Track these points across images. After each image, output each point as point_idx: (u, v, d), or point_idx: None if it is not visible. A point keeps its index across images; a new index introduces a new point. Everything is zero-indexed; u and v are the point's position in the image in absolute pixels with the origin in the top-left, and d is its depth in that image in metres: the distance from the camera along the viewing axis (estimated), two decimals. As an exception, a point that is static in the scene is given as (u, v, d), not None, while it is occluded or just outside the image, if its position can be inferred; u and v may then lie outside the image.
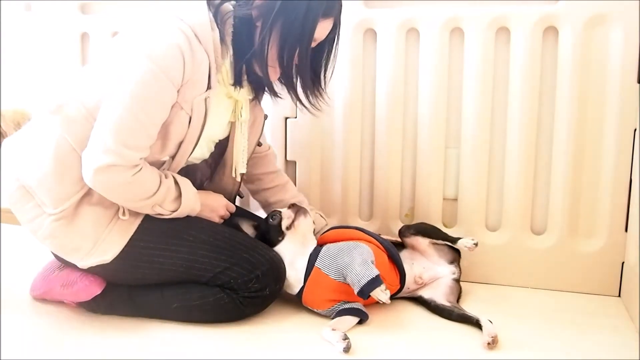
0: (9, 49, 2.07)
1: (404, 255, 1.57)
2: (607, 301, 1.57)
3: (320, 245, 1.48)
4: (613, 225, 1.57)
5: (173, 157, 1.36)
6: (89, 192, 1.32)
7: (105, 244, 1.32)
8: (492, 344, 1.27)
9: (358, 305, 1.41)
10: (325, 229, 1.60)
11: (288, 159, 1.82)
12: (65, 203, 1.31)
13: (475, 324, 1.36)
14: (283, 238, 1.45)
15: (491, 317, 1.35)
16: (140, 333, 1.36)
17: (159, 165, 1.35)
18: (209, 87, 1.31)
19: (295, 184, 1.79)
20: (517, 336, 1.34)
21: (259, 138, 1.58)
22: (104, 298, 1.41)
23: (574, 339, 1.35)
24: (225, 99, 1.42)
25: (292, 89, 1.41)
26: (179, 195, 1.35)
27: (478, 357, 1.26)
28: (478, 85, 1.61)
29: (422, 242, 1.58)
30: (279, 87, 1.44)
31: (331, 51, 1.43)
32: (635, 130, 1.51)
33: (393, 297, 1.47)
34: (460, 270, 1.56)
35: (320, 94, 1.45)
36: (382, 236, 1.58)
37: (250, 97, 1.47)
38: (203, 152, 1.48)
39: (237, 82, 1.38)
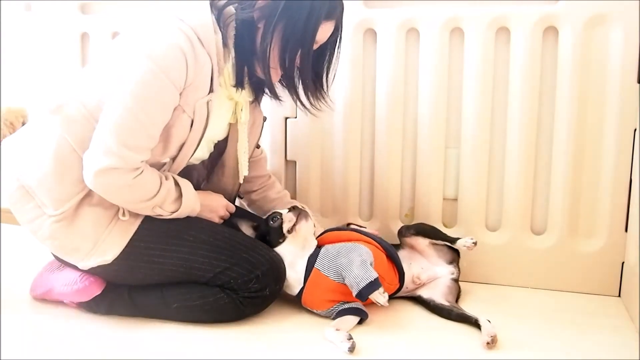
0: (9, 49, 2.07)
1: (402, 255, 1.57)
2: (607, 301, 1.57)
3: (319, 246, 1.48)
4: (613, 225, 1.57)
5: (174, 159, 1.36)
6: (89, 193, 1.32)
7: (105, 244, 1.32)
8: (492, 343, 1.27)
9: (357, 304, 1.41)
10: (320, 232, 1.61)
11: (288, 159, 1.82)
12: (66, 204, 1.31)
13: (475, 323, 1.36)
14: (284, 240, 1.44)
15: (491, 317, 1.35)
16: (140, 333, 1.36)
17: (159, 166, 1.35)
18: (211, 90, 1.31)
19: (295, 184, 1.79)
20: (517, 336, 1.34)
21: (258, 140, 1.59)
22: (104, 298, 1.41)
23: (574, 339, 1.35)
24: (226, 101, 1.42)
25: (293, 90, 1.41)
26: (179, 196, 1.35)
27: (478, 357, 1.26)
28: (478, 85, 1.61)
29: (421, 242, 1.58)
30: (280, 89, 1.44)
31: (333, 53, 1.43)
32: (635, 130, 1.51)
33: (392, 296, 1.47)
34: (459, 270, 1.57)
35: (322, 96, 1.45)
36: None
37: (251, 99, 1.47)
38: (203, 153, 1.48)
39: (239, 84, 1.38)
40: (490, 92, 1.61)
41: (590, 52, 1.52)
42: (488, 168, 1.65)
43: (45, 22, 1.96)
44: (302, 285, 1.42)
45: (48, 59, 1.97)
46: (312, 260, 1.43)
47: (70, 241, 1.32)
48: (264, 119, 1.59)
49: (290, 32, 1.29)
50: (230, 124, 1.48)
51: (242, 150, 1.49)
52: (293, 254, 1.44)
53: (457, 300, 1.51)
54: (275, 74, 1.36)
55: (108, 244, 1.32)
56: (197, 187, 1.50)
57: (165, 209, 1.34)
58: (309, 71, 1.37)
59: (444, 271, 1.55)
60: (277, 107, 1.62)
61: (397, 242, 1.63)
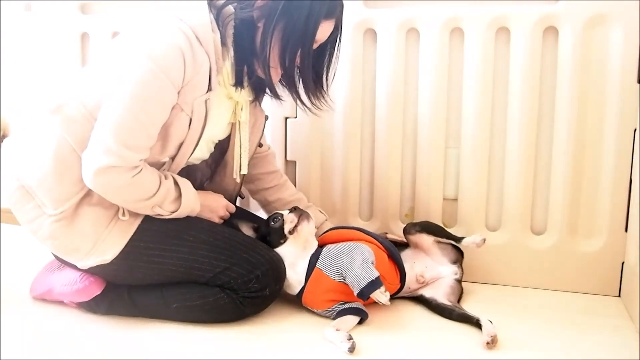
0: (9, 49, 2.07)
1: (406, 254, 1.57)
2: (607, 301, 1.57)
3: (320, 246, 1.48)
4: (613, 225, 1.57)
5: (173, 158, 1.36)
6: (88, 193, 1.32)
7: (105, 244, 1.32)
8: (492, 343, 1.27)
9: (357, 304, 1.41)
10: (325, 226, 1.61)
11: (288, 159, 1.82)
12: (65, 204, 1.31)
13: (475, 323, 1.36)
14: (285, 241, 1.44)
15: (491, 317, 1.35)
16: (140, 333, 1.36)
17: (158, 166, 1.35)
18: (209, 89, 1.31)
19: (295, 184, 1.79)
20: (517, 336, 1.34)
21: (260, 139, 1.58)
22: (104, 298, 1.41)
23: (574, 339, 1.35)
24: (226, 100, 1.42)
25: (293, 90, 1.41)
26: (179, 196, 1.35)
27: (478, 357, 1.26)
28: (478, 85, 1.61)
29: (426, 240, 1.58)
30: (280, 89, 1.44)
31: (333, 52, 1.43)
32: (635, 130, 1.51)
33: (394, 296, 1.47)
34: (462, 270, 1.56)
35: (322, 96, 1.46)
36: (387, 235, 1.57)
37: (251, 99, 1.47)
38: (203, 152, 1.48)
39: (239, 84, 1.38)
40: (490, 92, 1.61)
41: (590, 52, 1.52)
42: (488, 168, 1.65)
43: (45, 22, 1.96)
44: (303, 285, 1.42)
45: (48, 59, 1.97)
46: (314, 260, 1.43)
47: (70, 241, 1.32)
48: (266, 117, 1.58)
49: (290, 31, 1.29)
50: (232, 124, 1.48)
51: (242, 149, 1.49)
52: (294, 254, 1.44)
53: (459, 301, 1.51)
54: (276, 74, 1.37)
55: (108, 244, 1.32)
56: (200, 187, 1.50)
57: (165, 209, 1.34)
58: (309, 70, 1.37)
59: (448, 271, 1.55)
60: (277, 107, 1.62)
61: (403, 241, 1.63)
